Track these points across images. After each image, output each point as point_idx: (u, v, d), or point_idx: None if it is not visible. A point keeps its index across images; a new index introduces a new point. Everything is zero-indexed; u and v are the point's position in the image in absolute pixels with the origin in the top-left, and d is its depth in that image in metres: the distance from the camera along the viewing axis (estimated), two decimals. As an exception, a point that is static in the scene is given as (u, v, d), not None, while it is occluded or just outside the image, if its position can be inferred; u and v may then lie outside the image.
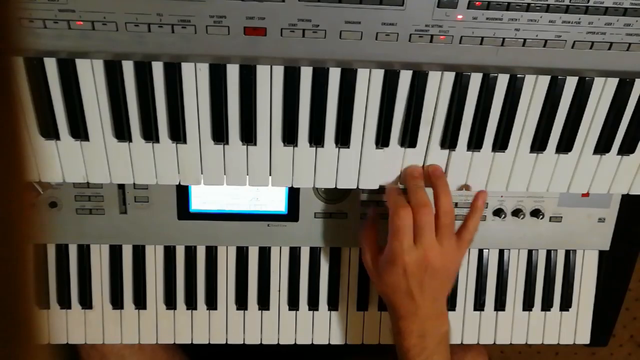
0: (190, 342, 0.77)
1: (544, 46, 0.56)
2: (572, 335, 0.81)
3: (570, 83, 0.60)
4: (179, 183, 0.63)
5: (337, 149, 0.62)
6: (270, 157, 0.62)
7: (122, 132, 0.60)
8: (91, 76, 0.57)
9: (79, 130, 0.59)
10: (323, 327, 0.78)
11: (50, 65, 0.56)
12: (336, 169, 0.63)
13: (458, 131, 0.61)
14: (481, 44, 0.56)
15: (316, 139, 0.61)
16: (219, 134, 0.60)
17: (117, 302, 0.75)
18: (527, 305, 0.79)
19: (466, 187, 0.65)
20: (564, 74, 0.59)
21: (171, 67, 0.57)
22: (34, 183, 0.65)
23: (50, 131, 0.59)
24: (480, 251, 0.77)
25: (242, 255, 0.75)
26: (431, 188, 0.62)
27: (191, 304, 0.75)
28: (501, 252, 0.77)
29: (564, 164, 0.64)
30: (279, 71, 0.58)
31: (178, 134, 0.60)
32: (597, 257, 0.79)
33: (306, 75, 0.58)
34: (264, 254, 0.75)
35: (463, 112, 0.60)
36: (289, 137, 0.61)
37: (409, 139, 0.61)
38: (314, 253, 0.75)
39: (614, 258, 0.78)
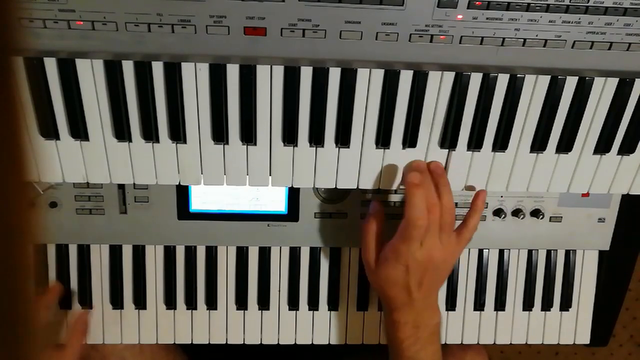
0: (190, 342, 0.77)
1: (544, 46, 0.56)
2: (572, 335, 0.81)
3: (570, 83, 0.60)
4: (179, 183, 0.63)
5: (337, 149, 0.62)
6: (270, 157, 0.62)
7: (122, 132, 0.60)
8: (91, 76, 0.57)
9: (79, 130, 0.59)
10: (323, 327, 0.78)
11: (50, 65, 0.56)
12: (336, 169, 0.63)
13: (458, 131, 0.61)
14: (481, 44, 0.56)
15: (316, 139, 0.61)
16: (219, 134, 0.60)
17: (117, 302, 0.75)
18: (527, 305, 0.79)
19: (470, 187, 0.65)
20: (564, 74, 0.59)
21: (171, 67, 0.57)
22: (34, 183, 0.66)
23: (50, 131, 0.59)
24: (480, 251, 0.77)
25: (242, 255, 0.75)
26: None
27: (191, 304, 0.75)
28: (501, 252, 0.77)
29: (564, 164, 0.64)
30: (279, 71, 0.58)
31: (178, 134, 0.60)
32: (597, 257, 0.79)
33: (306, 75, 0.58)
34: (264, 254, 0.75)
35: (463, 112, 0.60)
36: (289, 137, 0.61)
37: (409, 139, 0.61)
38: (314, 253, 0.75)
39: (614, 258, 0.78)
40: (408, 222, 0.59)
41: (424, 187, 0.59)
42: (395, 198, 0.73)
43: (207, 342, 0.77)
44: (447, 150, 0.63)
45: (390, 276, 0.62)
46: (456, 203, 0.74)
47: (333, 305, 0.77)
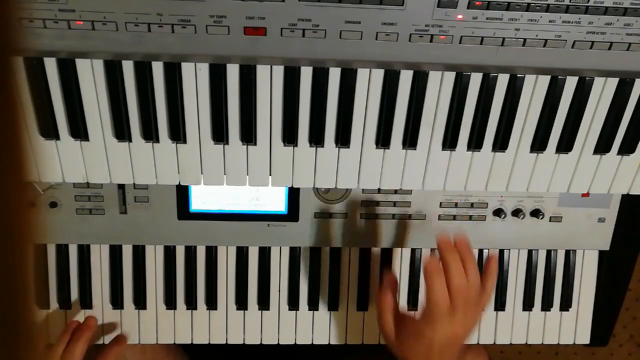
0: (190, 342, 0.77)
1: (544, 46, 0.56)
2: (572, 335, 0.81)
3: (570, 83, 0.60)
4: (179, 183, 0.63)
5: (337, 149, 0.62)
6: (270, 157, 0.62)
7: (122, 132, 0.60)
8: (91, 76, 0.57)
9: (79, 130, 0.59)
10: (323, 327, 0.78)
11: (50, 65, 0.56)
12: (336, 169, 0.63)
13: (458, 131, 0.61)
14: (481, 44, 0.56)
15: (316, 139, 0.61)
16: (219, 134, 0.60)
17: (117, 302, 0.75)
18: (527, 305, 0.79)
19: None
20: (564, 74, 0.59)
21: (171, 67, 0.57)
22: (34, 183, 0.66)
23: (50, 131, 0.59)
24: (480, 251, 0.77)
25: (242, 255, 0.75)
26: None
27: (191, 304, 0.75)
28: (501, 252, 0.77)
29: (564, 164, 0.64)
30: (279, 71, 0.58)
31: (178, 134, 0.60)
32: (597, 257, 0.79)
33: (306, 75, 0.58)
34: (264, 254, 0.75)
35: (463, 112, 0.60)
36: (289, 137, 0.61)
37: (409, 139, 0.61)
38: (314, 253, 0.75)
39: (614, 258, 0.78)
40: (430, 305, 0.57)
41: (451, 266, 0.58)
42: (395, 198, 0.73)
43: (207, 342, 0.77)
44: (448, 150, 0.63)
45: (412, 351, 0.60)
46: (456, 203, 0.74)
47: (333, 305, 0.77)
